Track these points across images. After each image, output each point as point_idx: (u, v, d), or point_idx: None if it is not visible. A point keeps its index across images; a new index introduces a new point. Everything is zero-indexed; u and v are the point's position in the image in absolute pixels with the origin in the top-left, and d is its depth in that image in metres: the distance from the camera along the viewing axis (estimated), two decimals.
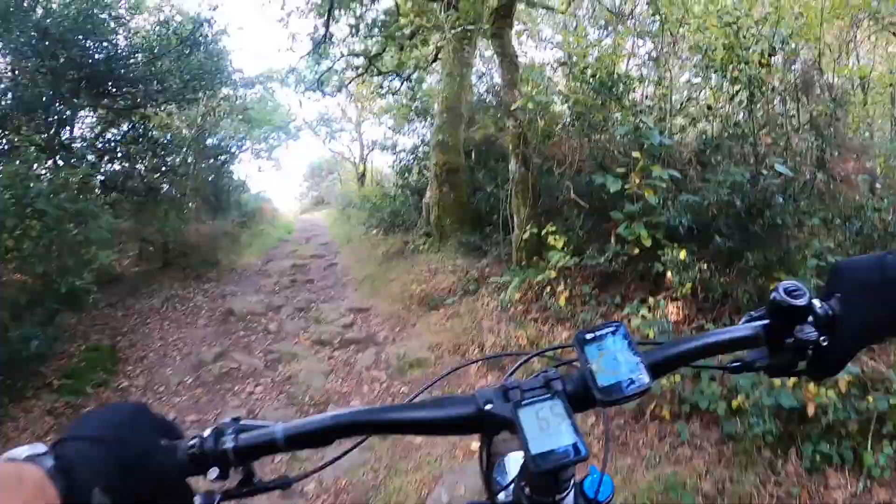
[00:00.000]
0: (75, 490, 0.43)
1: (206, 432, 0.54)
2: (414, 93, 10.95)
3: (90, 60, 6.61)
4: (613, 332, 0.57)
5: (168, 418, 0.56)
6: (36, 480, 0.42)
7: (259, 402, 4.17)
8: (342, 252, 10.64)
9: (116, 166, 7.94)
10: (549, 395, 0.55)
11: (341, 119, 20.94)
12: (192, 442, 0.53)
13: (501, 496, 0.64)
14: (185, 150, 9.39)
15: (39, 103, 6.14)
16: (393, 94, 11.81)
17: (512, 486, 0.61)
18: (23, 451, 0.44)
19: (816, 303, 0.57)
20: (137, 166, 8.17)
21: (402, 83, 11.19)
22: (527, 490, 0.57)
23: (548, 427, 0.52)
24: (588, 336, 0.57)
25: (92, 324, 5.73)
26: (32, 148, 5.17)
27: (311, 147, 55.38)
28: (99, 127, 7.86)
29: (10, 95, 6.16)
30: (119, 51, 7.06)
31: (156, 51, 7.40)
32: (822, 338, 0.56)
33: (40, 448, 0.45)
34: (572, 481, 0.57)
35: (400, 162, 10.24)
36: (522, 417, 0.53)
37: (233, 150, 12.61)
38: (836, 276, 0.61)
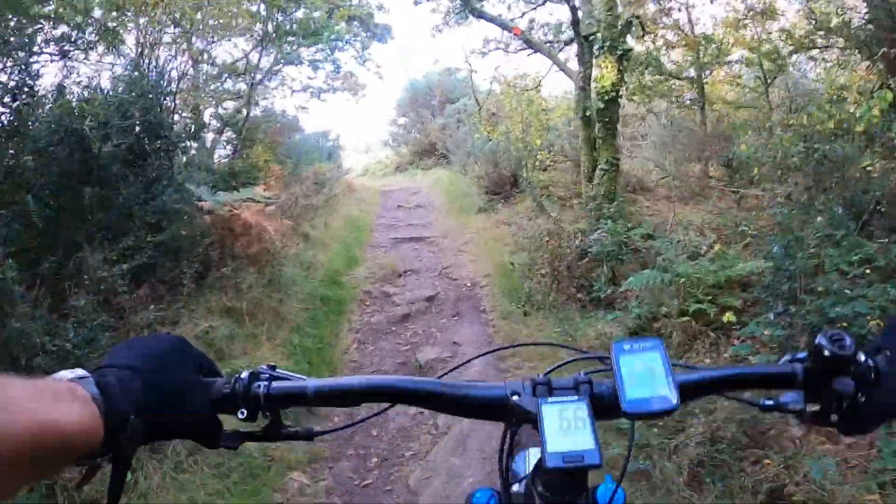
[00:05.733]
0: (114, 415, 0.45)
1: (243, 374, 0.56)
2: None
3: None
4: (652, 348, 0.57)
5: (207, 355, 0.58)
6: (85, 398, 0.44)
7: None
8: None
9: None
10: (575, 397, 0.55)
11: None
12: (227, 381, 0.56)
13: (515, 487, 0.65)
14: None
15: None
16: None
17: (525, 480, 0.61)
18: (67, 374, 0.46)
19: (861, 356, 0.55)
20: None
21: None
22: (539, 487, 0.58)
23: (569, 428, 0.53)
24: (626, 346, 0.57)
25: None
26: None
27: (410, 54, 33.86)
28: None
29: None
30: None
31: None
32: (859, 393, 0.55)
33: (82, 373, 0.47)
34: (587, 490, 0.58)
35: None
36: (545, 413, 0.54)
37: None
38: (890, 332, 0.58)
